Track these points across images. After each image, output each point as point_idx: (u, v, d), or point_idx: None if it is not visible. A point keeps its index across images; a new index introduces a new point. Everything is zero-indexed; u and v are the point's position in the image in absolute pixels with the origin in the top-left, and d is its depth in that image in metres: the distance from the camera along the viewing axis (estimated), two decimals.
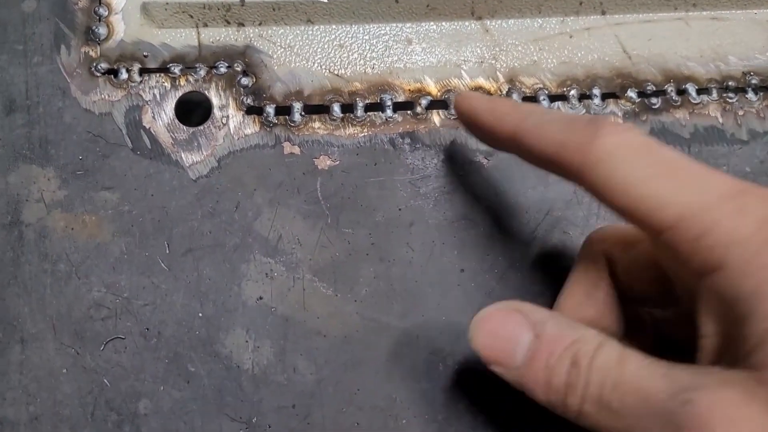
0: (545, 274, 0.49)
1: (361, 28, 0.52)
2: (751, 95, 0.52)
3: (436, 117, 0.51)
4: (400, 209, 0.50)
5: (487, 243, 0.50)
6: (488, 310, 0.35)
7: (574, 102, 0.51)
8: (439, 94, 0.51)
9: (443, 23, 0.53)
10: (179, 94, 0.51)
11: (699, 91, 0.52)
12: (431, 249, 0.49)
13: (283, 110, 0.51)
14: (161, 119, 0.50)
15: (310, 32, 0.52)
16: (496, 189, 0.50)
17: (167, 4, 0.51)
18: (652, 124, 0.52)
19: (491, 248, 0.49)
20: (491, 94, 0.51)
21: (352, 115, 0.51)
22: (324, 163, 0.50)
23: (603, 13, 0.53)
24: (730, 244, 0.25)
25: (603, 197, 0.30)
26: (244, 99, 0.51)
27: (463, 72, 0.52)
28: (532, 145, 0.34)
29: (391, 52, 0.52)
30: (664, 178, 0.28)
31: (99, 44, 0.51)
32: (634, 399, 0.26)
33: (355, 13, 0.52)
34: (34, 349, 0.47)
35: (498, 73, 0.52)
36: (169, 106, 0.51)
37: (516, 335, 0.32)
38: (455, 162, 0.51)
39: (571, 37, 0.53)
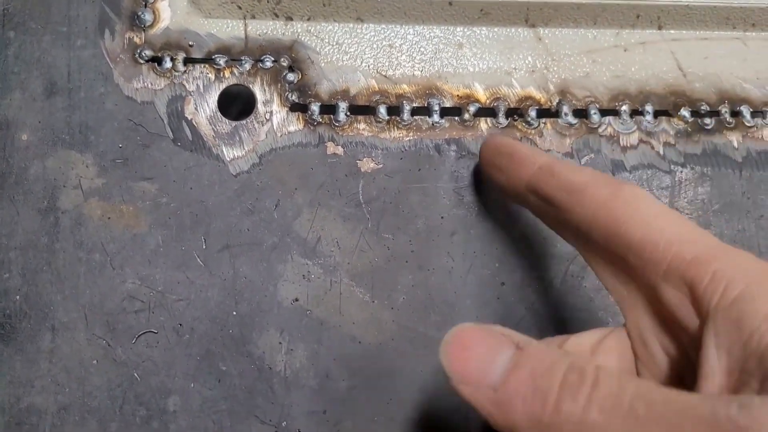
0: (587, 291, 0.48)
1: (411, 29, 0.51)
2: None
3: (484, 124, 0.50)
4: (442, 217, 0.49)
5: (530, 257, 0.49)
6: (464, 325, 0.30)
7: (625, 117, 0.50)
8: (488, 101, 0.50)
9: (495, 29, 0.51)
10: (223, 86, 0.50)
11: (753, 114, 0.51)
12: (472, 260, 0.48)
13: (328, 109, 0.50)
14: (204, 111, 0.49)
15: (359, 30, 0.51)
16: None
17: None
18: (704, 145, 0.50)
19: (534, 262, 0.48)
20: (541, 105, 0.50)
21: (398, 118, 0.50)
22: (367, 165, 0.49)
23: (660, 27, 0.52)
24: (745, 278, 0.27)
25: (622, 230, 0.32)
26: (289, 95, 0.50)
27: (513, 80, 0.51)
28: (559, 179, 0.37)
29: (441, 55, 0.51)
30: (683, 222, 0.32)
31: (144, 30, 0.50)
32: (669, 406, 0.23)
33: (406, 13, 0.50)
34: (65, 338, 0.46)
35: (549, 83, 0.51)
36: (212, 99, 0.49)
37: (495, 350, 0.28)
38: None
39: (625, 50, 0.51)
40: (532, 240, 0.49)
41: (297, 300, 0.47)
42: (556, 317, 0.48)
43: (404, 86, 0.50)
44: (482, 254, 0.48)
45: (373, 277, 0.48)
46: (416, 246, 0.48)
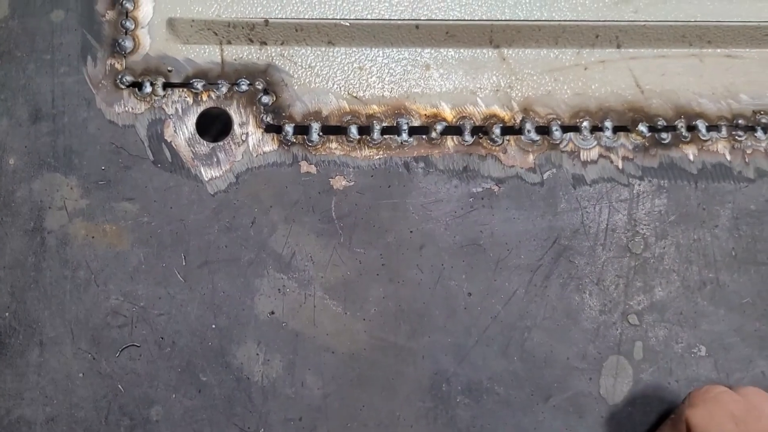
0: (550, 300, 0.50)
1: (381, 52, 0.53)
2: (760, 134, 0.53)
3: (450, 142, 0.52)
4: (411, 232, 0.51)
5: (495, 268, 0.51)
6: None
7: (586, 133, 0.53)
8: (454, 120, 0.53)
9: (461, 50, 0.54)
10: (201, 109, 0.52)
11: (709, 128, 0.53)
12: (440, 272, 0.50)
13: (302, 130, 0.52)
14: (182, 133, 0.52)
15: (331, 54, 0.53)
16: (506, 216, 0.52)
17: (193, 21, 0.52)
18: (661, 159, 0.53)
19: (499, 272, 0.51)
20: (505, 123, 0.53)
21: (368, 138, 0.52)
22: (339, 183, 0.51)
23: (618, 46, 0.54)
24: None
25: None
26: (264, 117, 0.52)
27: (478, 99, 0.53)
28: None
29: (409, 76, 0.53)
30: None
31: (125, 57, 0.52)
32: None
33: (375, 36, 0.53)
34: (53, 352, 0.48)
35: (513, 101, 0.53)
36: (191, 121, 0.52)
37: None
38: (468, 187, 0.52)
39: (585, 69, 0.54)
40: (497, 252, 0.51)
41: (273, 313, 0.50)
42: (521, 326, 0.50)
43: (374, 107, 0.53)
44: (449, 266, 0.51)
45: (346, 289, 0.50)
46: (386, 259, 0.51)
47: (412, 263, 0.50)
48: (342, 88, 0.53)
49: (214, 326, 0.49)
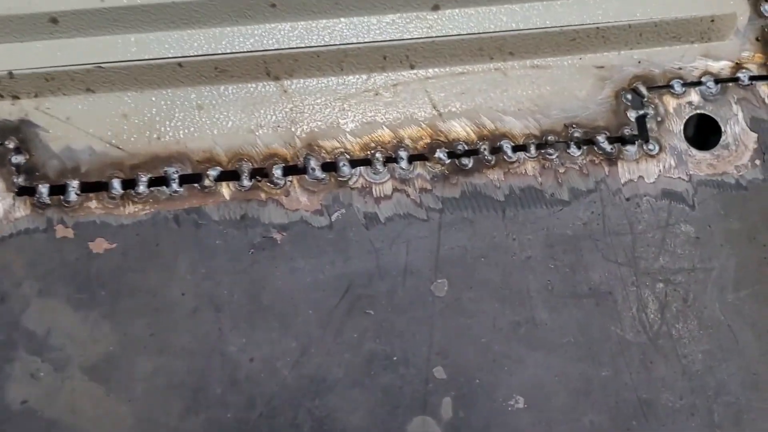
0: (345, 358, 0.44)
1: (147, 96, 0.48)
2: (573, 150, 0.48)
3: (226, 189, 0.47)
4: (183, 294, 0.45)
5: (280, 326, 0.45)
6: None
7: (378, 166, 0.47)
8: (230, 163, 0.47)
9: (238, 85, 0.49)
10: None
11: (515, 148, 0.48)
12: (217, 337, 0.45)
13: (58, 189, 0.46)
14: None
15: (91, 102, 0.48)
16: (291, 266, 0.46)
17: None
18: (464, 187, 0.47)
19: (285, 332, 0.45)
20: (287, 162, 0.47)
21: (133, 192, 0.46)
22: (100, 246, 0.46)
23: (412, 67, 0.49)
24: None
25: None
26: (16, 179, 0.46)
27: (257, 138, 0.48)
28: None
29: (179, 119, 0.48)
30: None
31: None
32: None
33: (137, 79, 0.48)
34: None
35: (295, 138, 0.48)
36: None
37: None
38: (247, 238, 0.46)
39: (376, 94, 0.49)
40: (282, 308, 0.45)
41: (26, 402, 0.43)
42: (311, 391, 0.44)
43: (140, 156, 0.47)
44: (228, 330, 0.45)
45: (109, 367, 0.44)
46: (155, 328, 0.45)
47: (185, 330, 0.45)
48: (104, 139, 0.47)
49: None
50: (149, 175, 0.47)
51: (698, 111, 0.50)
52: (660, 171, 0.48)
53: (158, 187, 0.47)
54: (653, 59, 0.50)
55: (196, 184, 0.47)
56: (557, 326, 0.45)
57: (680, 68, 0.51)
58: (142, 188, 0.46)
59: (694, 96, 0.50)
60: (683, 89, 0.50)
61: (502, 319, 0.45)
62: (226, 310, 0.45)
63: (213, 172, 0.47)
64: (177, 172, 0.47)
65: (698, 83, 0.50)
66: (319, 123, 0.48)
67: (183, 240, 0.46)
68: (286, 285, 0.45)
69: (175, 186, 0.47)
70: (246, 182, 0.47)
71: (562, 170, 0.48)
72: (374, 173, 0.47)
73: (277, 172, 0.47)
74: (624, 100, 0.49)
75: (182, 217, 0.46)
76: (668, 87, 0.50)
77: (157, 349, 0.44)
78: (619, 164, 0.48)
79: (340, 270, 0.46)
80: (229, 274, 0.46)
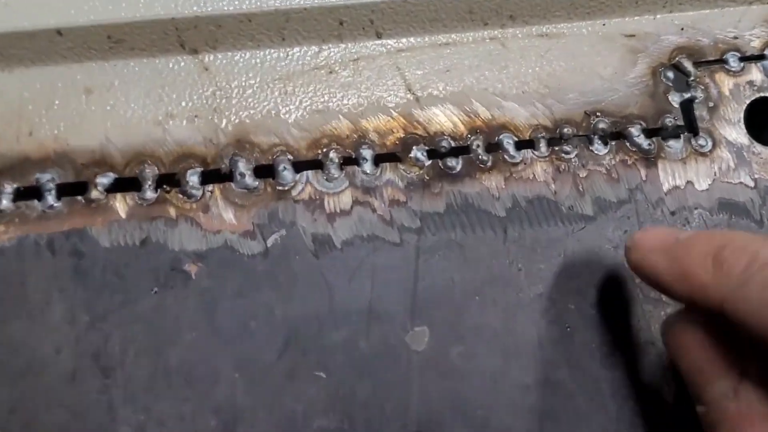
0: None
1: (15, 76, 0.35)
2: (598, 146, 0.35)
3: (122, 204, 0.34)
4: (58, 352, 0.32)
5: (194, 395, 0.32)
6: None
7: (332, 170, 0.34)
8: (127, 168, 0.34)
9: (142, 60, 0.36)
10: None
11: (519, 145, 0.35)
12: (106, 411, 0.32)
13: None
14: None
15: None
16: (210, 309, 0.33)
17: None
18: (449, 198, 0.34)
19: (200, 404, 0.32)
20: (207, 165, 0.34)
21: None
22: None
23: (378, 35, 0.36)
24: None
25: None
26: None
27: (166, 133, 0.35)
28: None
29: (59, 108, 0.35)
30: None
31: None
32: None
33: (1, 53, 0.35)
34: None
35: (219, 131, 0.35)
36: None
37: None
38: (150, 272, 0.33)
39: (330, 72, 0.36)
40: (196, 372, 0.32)
41: None
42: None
43: (2, 159, 0.34)
44: (120, 402, 0.32)
45: None
46: (19, 401, 0.32)
47: (59, 403, 0.32)
48: None
49: None
50: (15, 185, 0.34)
51: (762, 94, 0.37)
52: (715, 174, 0.36)
53: (27, 202, 0.34)
54: (700, 25, 0.38)
55: (79, 197, 0.34)
56: (582, 390, 0.33)
57: (736, 37, 0.38)
58: (4, 203, 0.33)
59: (756, 74, 0.38)
60: (741, 65, 0.38)
61: (504, 382, 0.33)
62: (118, 374, 0.32)
63: (104, 180, 0.34)
64: (54, 180, 0.34)
65: (761, 57, 0.38)
66: (252, 112, 0.35)
67: (59, 275, 0.33)
68: (203, 337, 0.33)
69: (50, 199, 0.34)
70: (149, 194, 0.34)
71: (583, 174, 0.35)
72: (327, 180, 0.34)
73: (192, 179, 0.34)
74: (664, 80, 0.37)
75: (59, 243, 0.33)
76: (722, 62, 0.38)
77: (21, 430, 0.31)
78: (660, 165, 0.36)
79: (280, 314, 0.33)
80: (124, 324, 0.33)
